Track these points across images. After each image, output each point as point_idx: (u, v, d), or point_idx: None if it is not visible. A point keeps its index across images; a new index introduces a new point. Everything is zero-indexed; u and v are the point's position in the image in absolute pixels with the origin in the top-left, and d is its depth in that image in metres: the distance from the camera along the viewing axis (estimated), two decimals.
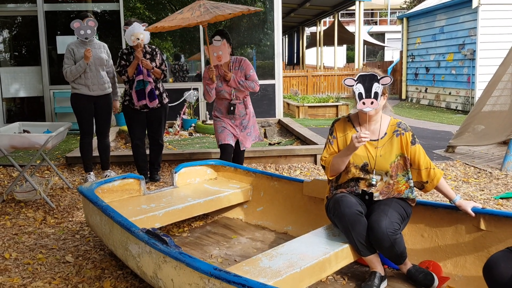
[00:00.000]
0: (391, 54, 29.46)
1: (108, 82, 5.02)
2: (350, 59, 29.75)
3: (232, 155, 4.37)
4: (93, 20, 4.73)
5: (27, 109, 9.54)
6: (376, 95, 2.52)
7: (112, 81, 5.10)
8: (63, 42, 8.41)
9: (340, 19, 30.72)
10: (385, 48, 29.91)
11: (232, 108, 4.34)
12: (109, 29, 9.25)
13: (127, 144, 6.85)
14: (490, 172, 5.17)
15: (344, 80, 2.61)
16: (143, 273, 2.57)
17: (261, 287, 1.85)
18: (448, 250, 2.80)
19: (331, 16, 20.55)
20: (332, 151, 2.77)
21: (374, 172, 2.67)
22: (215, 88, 4.31)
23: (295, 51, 27.09)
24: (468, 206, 2.63)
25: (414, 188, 2.76)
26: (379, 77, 2.52)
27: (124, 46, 8.82)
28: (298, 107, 11.10)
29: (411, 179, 2.72)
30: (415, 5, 19.60)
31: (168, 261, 2.30)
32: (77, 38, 4.79)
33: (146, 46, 4.81)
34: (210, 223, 3.75)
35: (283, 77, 15.44)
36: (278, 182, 3.69)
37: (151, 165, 5.16)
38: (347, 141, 2.70)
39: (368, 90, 2.53)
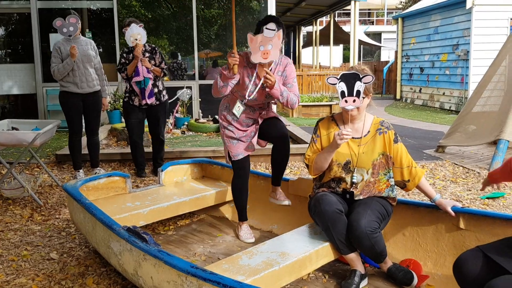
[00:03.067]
0: (388, 54, 29.50)
1: (96, 79, 5.03)
2: (346, 58, 29.74)
3: (249, 169, 3.38)
4: (74, 17, 4.77)
5: (20, 107, 9.53)
6: (358, 94, 2.53)
7: (100, 78, 5.11)
8: (56, 40, 8.36)
9: (336, 18, 30.74)
10: (382, 48, 29.95)
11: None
12: (103, 26, 9.24)
13: (119, 142, 6.85)
14: (478, 172, 5.20)
15: (327, 78, 2.62)
16: (124, 271, 2.59)
17: (236, 285, 1.87)
18: (428, 249, 2.82)
19: (327, 16, 20.54)
20: (315, 149, 2.79)
21: (355, 171, 2.68)
22: (244, 94, 3.13)
23: (292, 50, 27.10)
24: (448, 205, 2.66)
25: (396, 187, 2.78)
26: (361, 76, 2.53)
27: (117, 43, 8.82)
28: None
29: (392, 178, 2.73)
30: (410, 6, 19.64)
31: (147, 259, 2.31)
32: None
33: (146, 45, 4.97)
34: (196, 222, 3.76)
35: None
36: (264, 181, 3.71)
37: (154, 160, 5.32)
38: (331, 140, 2.71)
39: (350, 88, 2.55)
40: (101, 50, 9.20)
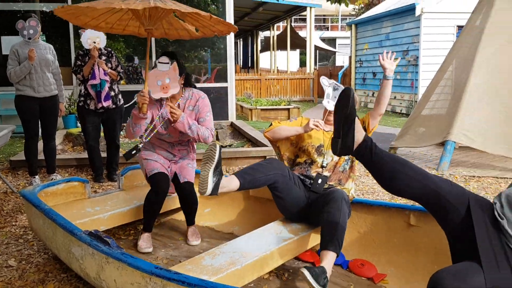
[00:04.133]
0: (342, 59, 30.26)
1: (54, 83, 4.95)
2: (303, 63, 30.28)
3: (168, 187, 3.19)
4: (35, 20, 4.69)
5: None
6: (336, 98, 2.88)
7: (58, 83, 5.02)
8: (9, 43, 8.14)
9: (293, 24, 31.20)
10: (336, 53, 30.70)
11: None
12: (57, 29, 9.03)
13: (75, 148, 6.73)
14: None
15: (322, 78, 3.09)
16: (86, 275, 2.59)
17: (200, 283, 1.93)
18: (382, 246, 2.98)
19: (284, 21, 20.89)
20: (287, 123, 3.16)
21: (326, 153, 2.98)
22: (155, 131, 3.19)
23: (250, 55, 27.31)
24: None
25: (350, 161, 3.04)
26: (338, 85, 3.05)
27: (72, 46, 8.66)
28: (251, 110, 11.24)
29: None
30: (363, 12, 20.25)
31: (110, 262, 2.33)
32: (22, 38, 4.73)
33: (102, 48, 4.93)
34: (157, 226, 3.77)
35: (237, 80, 15.57)
36: None
37: (109, 165, 5.24)
38: (304, 124, 3.10)
39: (334, 94, 3.00)
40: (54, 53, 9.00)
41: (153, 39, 8.98)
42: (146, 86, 2.99)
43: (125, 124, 3.54)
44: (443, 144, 5.78)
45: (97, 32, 4.65)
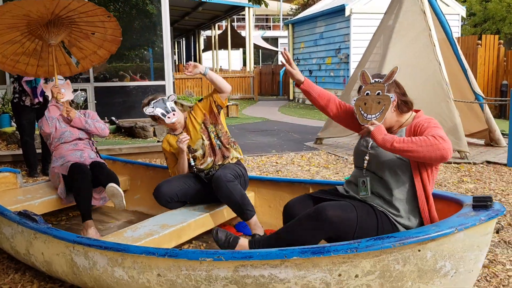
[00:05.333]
0: None
1: None
2: (246, 62, 30.73)
3: (88, 168, 3.55)
4: None
5: None
6: (173, 109, 3.26)
7: None
8: None
9: (235, 23, 31.58)
10: (279, 52, 31.39)
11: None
12: None
13: (9, 146, 6.75)
14: (346, 159, 6.00)
15: (146, 109, 3.26)
16: (16, 253, 2.82)
17: (113, 245, 2.24)
18: None
19: (225, 21, 21.22)
20: (170, 162, 3.46)
21: (193, 151, 3.29)
22: (56, 130, 3.76)
23: (192, 54, 27.41)
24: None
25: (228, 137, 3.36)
26: (166, 98, 3.30)
27: None
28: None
29: (212, 132, 3.30)
30: (300, 12, 20.96)
31: (38, 237, 2.59)
32: None
33: None
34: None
35: (178, 79, 15.75)
36: (153, 171, 4.07)
37: (44, 160, 5.35)
38: (175, 146, 3.33)
39: (165, 109, 3.25)
40: None
41: None
42: (56, 81, 3.80)
43: None
44: None
45: None
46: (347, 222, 2.23)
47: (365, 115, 2.33)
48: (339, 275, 1.99)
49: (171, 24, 22.05)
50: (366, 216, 2.31)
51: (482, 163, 5.67)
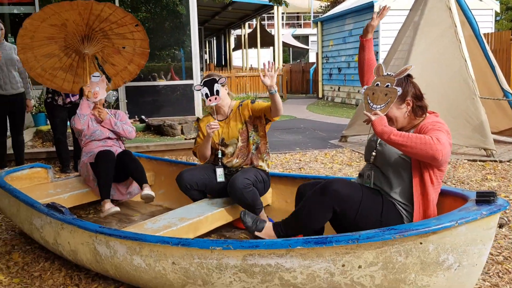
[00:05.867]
0: (315, 56, 30.84)
1: (20, 82, 5.32)
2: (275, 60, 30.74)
3: (113, 154, 3.77)
4: None
5: None
6: (217, 92, 3.28)
7: (24, 81, 5.39)
8: None
9: (266, 22, 31.68)
10: (309, 50, 31.31)
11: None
12: None
13: (44, 143, 7.07)
14: None
15: (195, 86, 3.38)
16: (46, 242, 3.01)
17: (132, 235, 2.38)
18: None
19: (255, 19, 21.36)
20: (199, 141, 3.51)
21: (229, 143, 3.37)
22: (88, 128, 3.94)
23: (223, 53, 27.70)
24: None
25: (260, 144, 3.40)
26: (217, 79, 3.29)
27: None
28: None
29: (253, 138, 3.37)
30: (329, 10, 20.87)
31: (64, 227, 2.76)
32: None
33: None
34: (115, 206, 4.19)
35: None
36: (176, 167, 4.22)
37: (76, 157, 5.57)
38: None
39: (211, 90, 3.29)
40: None
41: None
42: (87, 77, 4.00)
43: None
44: None
45: None
46: (352, 198, 2.36)
47: (371, 104, 2.39)
48: (343, 265, 2.06)
49: (201, 23, 22.41)
50: (372, 199, 2.43)
51: (509, 161, 5.57)
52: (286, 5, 7.53)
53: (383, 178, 2.44)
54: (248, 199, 3.15)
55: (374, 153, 2.49)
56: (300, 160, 6.06)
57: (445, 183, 4.76)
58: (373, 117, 2.31)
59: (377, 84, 2.39)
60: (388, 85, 2.36)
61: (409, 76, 2.45)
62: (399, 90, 2.33)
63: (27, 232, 3.25)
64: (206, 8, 16.99)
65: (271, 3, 9.06)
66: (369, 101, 2.40)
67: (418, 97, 2.43)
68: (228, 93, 3.47)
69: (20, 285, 2.77)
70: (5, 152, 5.35)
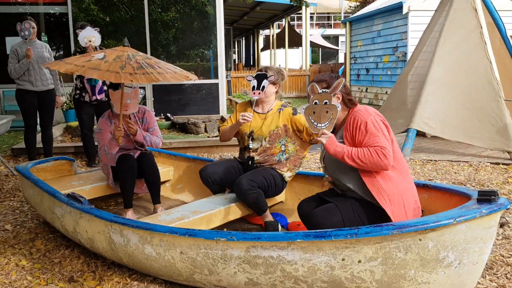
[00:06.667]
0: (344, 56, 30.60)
1: (50, 78, 5.54)
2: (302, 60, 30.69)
3: (134, 161, 3.71)
4: (30, 22, 5.27)
5: None
6: (263, 88, 3.35)
7: (54, 78, 5.61)
8: (12, 43, 8.75)
9: (295, 22, 31.63)
10: (339, 50, 31.11)
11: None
12: (58, 30, 9.66)
13: (73, 139, 7.33)
14: None
15: (247, 76, 3.45)
16: (66, 231, 3.16)
17: (143, 224, 2.49)
18: None
19: (284, 19, 21.40)
20: (228, 121, 3.60)
21: (256, 138, 3.44)
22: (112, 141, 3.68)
23: (251, 53, 27.83)
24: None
25: (285, 152, 3.45)
26: (268, 75, 3.36)
27: (72, 46, 9.26)
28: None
29: (284, 145, 3.43)
30: (359, 10, 20.70)
31: (83, 216, 2.90)
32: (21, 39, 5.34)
33: (97, 47, 5.26)
34: (136, 199, 4.33)
35: (234, 77, 16.13)
36: (194, 163, 4.33)
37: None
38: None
39: (259, 84, 3.37)
40: (61, 52, 9.63)
41: (147, 42, 9.60)
42: (121, 122, 3.59)
43: None
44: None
45: (94, 32, 5.20)
46: (335, 224, 2.42)
47: (315, 123, 2.51)
48: (343, 259, 2.11)
49: (230, 23, 22.59)
50: (351, 210, 2.49)
51: None
52: (307, 5, 7.57)
53: (341, 183, 2.58)
54: (251, 200, 3.24)
55: (324, 165, 2.70)
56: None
57: (464, 185, 4.72)
58: (323, 140, 2.45)
59: (316, 103, 2.51)
60: (326, 102, 2.47)
61: (337, 77, 2.60)
62: (339, 106, 2.44)
63: (49, 221, 3.41)
64: (235, 8, 17.15)
65: (291, 3, 9.10)
66: (313, 121, 2.51)
67: (346, 92, 2.60)
68: (276, 91, 3.52)
69: (41, 271, 2.93)
70: (35, 146, 5.58)
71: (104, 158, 3.74)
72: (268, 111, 3.49)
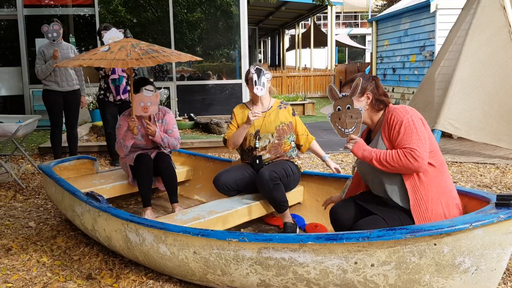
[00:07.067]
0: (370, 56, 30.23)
1: (76, 79, 5.66)
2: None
3: (151, 161, 3.77)
4: (57, 24, 5.39)
5: (8, 107, 10.11)
6: (264, 85, 3.40)
7: (79, 79, 5.73)
8: (41, 44, 9.00)
9: (321, 21, 31.42)
10: (366, 50, 30.75)
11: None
12: (86, 31, 9.86)
13: (99, 138, 7.46)
14: None
15: (251, 67, 3.47)
16: (85, 229, 3.22)
17: (157, 224, 2.51)
18: None
19: (310, 19, 21.29)
20: (232, 128, 3.57)
21: (262, 136, 3.45)
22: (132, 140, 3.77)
23: (277, 53, 27.79)
24: (332, 164, 3.46)
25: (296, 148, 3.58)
26: (264, 72, 3.40)
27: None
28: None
29: (294, 141, 3.52)
30: (385, 9, 20.40)
31: (101, 215, 2.95)
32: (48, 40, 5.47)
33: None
34: (155, 198, 4.38)
35: None
36: (213, 163, 4.35)
37: None
38: (244, 119, 3.51)
39: (259, 80, 3.41)
40: (76, 52, 9.82)
41: (172, 43, 9.70)
42: (133, 112, 3.63)
43: None
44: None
45: (118, 33, 5.27)
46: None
47: (342, 129, 2.50)
48: (355, 263, 2.08)
49: (256, 24, 22.61)
50: (400, 224, 2.35)
51: None
52: (330, 4, 7.49)
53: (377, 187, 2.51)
54: (275, 194, 3.22)
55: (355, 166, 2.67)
56: (342, 161, 6.02)
57: (490, 188, 4.59)
58: (350, 146, 2.43)
59: (339, 109, 2.48)
60: (348, 106, 2.44)
61: (375, 77, 2.55)
62: (362, 110, 2.40)
63: (70, 219, 3.48)
64: (260, 8, 17.15)
65: (314, 2, 9.04)
66: (340, 127, 2.49)
67: (378, 92, 2.51)
68: (269, 88, 3.57)
69: (61, 267, 2.99)
70: (60, 145, 5.71)
71: (120, 151, 3.82)
72: (268, 109, 3.55)
